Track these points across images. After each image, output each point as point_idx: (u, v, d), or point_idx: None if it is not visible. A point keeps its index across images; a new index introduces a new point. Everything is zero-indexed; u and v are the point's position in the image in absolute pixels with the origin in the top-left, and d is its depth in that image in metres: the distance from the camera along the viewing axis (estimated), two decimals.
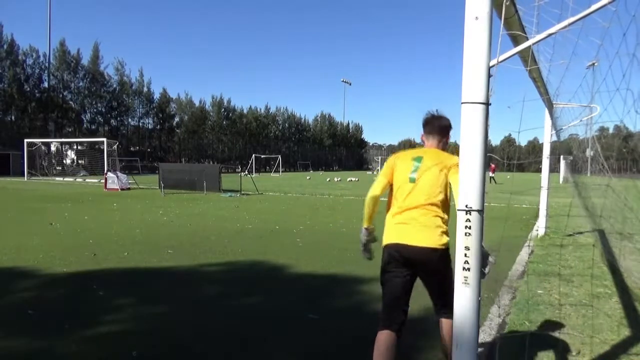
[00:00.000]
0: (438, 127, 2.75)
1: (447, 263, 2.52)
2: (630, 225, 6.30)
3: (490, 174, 32.41)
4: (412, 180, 2.59)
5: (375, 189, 2.76)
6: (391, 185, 2.73)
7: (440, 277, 2.56)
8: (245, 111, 67.33)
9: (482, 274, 2.10)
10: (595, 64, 2.73)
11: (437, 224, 2.50)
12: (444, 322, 2.62)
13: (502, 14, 2.38)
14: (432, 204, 2.52)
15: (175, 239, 7.81)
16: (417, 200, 2.54)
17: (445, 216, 2.55)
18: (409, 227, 2.52)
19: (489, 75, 1.96)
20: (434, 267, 2.52)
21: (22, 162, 31.50)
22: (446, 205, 2.56)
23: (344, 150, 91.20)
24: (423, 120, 2.81)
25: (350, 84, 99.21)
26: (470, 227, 1.99)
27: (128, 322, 3.89)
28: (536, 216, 10.30)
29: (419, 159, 2.65)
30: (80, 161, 45.24)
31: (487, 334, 3.59)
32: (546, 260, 6.38)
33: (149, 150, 55.25)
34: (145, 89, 52.47)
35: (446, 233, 2.51)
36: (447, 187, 2.55)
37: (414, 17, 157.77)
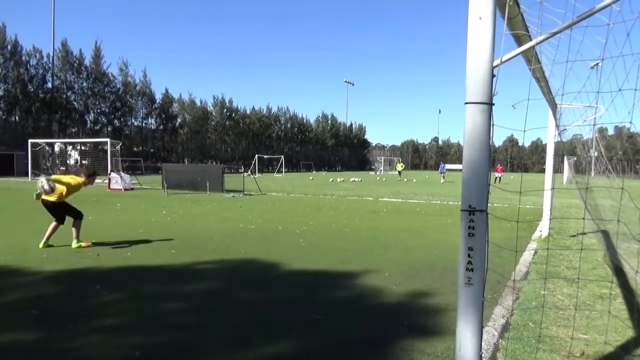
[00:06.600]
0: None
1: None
2: (633, 226, 6.26)
3: (497, 174, 32.30)
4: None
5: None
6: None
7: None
8: (248, 112, 67.31)
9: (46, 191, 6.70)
10: (599, 64, 2.71)
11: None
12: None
13: (506, 14, 2.37)
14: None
15: (178, 239, 7.83)
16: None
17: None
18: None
19: (493, 75, 1.95)
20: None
21: (26, 163, 31.56)
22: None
23: (346, 150, 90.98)
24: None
25: (353, 84, 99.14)
26: (473, 228, 1.96)
27: (131, 322, 3.90)
28: (540, 217, 10.26)
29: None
30: (83, 161, 45.22)
31: (490, 335, 3.58)
32: (550, 261, 6.36)
33: (152, 150, 55.21)
34: (147, 90, 52.47)
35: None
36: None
37: (418, 17, 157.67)
